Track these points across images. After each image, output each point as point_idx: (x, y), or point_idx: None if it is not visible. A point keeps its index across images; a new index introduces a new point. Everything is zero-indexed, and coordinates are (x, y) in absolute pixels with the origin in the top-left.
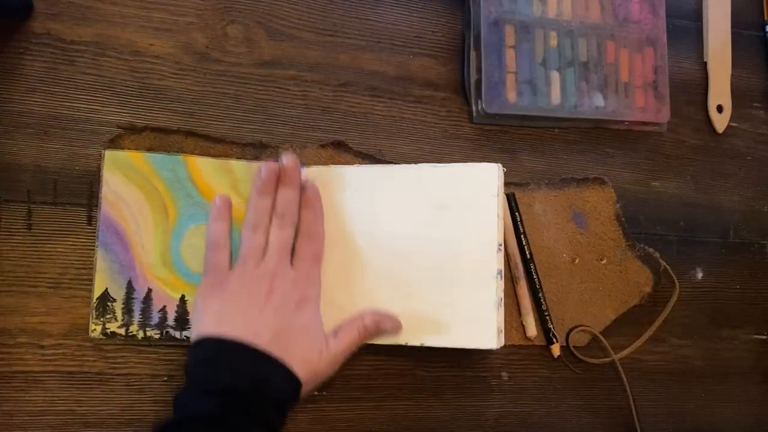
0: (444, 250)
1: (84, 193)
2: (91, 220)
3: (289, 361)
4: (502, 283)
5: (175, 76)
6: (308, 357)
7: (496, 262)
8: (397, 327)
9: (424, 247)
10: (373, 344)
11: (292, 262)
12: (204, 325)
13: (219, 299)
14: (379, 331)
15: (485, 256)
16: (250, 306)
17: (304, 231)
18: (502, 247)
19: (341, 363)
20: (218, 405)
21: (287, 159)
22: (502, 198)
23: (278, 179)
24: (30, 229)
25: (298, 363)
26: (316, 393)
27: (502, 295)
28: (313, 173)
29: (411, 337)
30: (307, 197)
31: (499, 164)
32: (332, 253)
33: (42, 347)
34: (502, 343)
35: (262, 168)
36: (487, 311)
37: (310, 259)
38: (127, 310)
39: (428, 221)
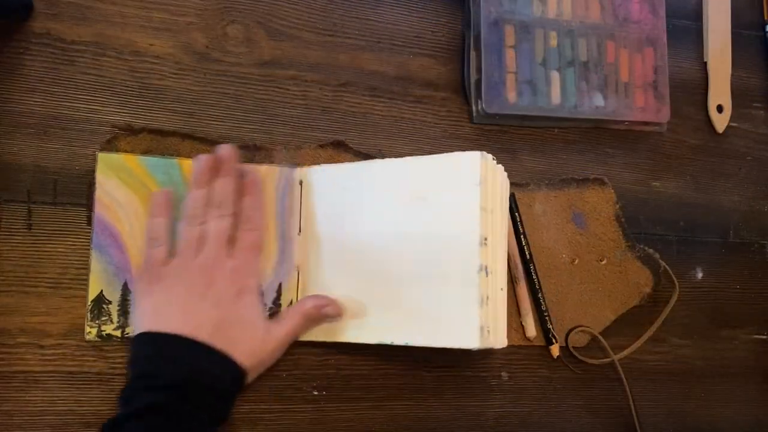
0: (428, 245)
1: (84, 193)
2: (90, 220)
3: (232, 351)
4: (488, 279)
5: (175, 76)
6: (251, 346)
7: (480, 256)
8: (339, 312)
9: (409, 242)
10: (372, 345)
11: (232, 251)
12: (143, 320)
13: (157, 294)
14: (321, 316)
15: (468, 251)
16: (189, 299)
17: (243, 218)
18: (489, 242)
19: (284, 349)
20: (159, 399)
21: (222, 149)
22: (498, 191)
23: (215, 170)
24: (30, 229)
25: (240, 352)
26: (315, 393)
27: (493, 293)
28: (306, 173)
29: (395, 336)
30: (246, 184)
31: (485, 153)
32: (326, 252)
33: (42, 347)
34: (498, 343)
35: (198, 160)
36: (469, 309)
37: (249, 248)
38: (123, 312)
39: (412, 215)
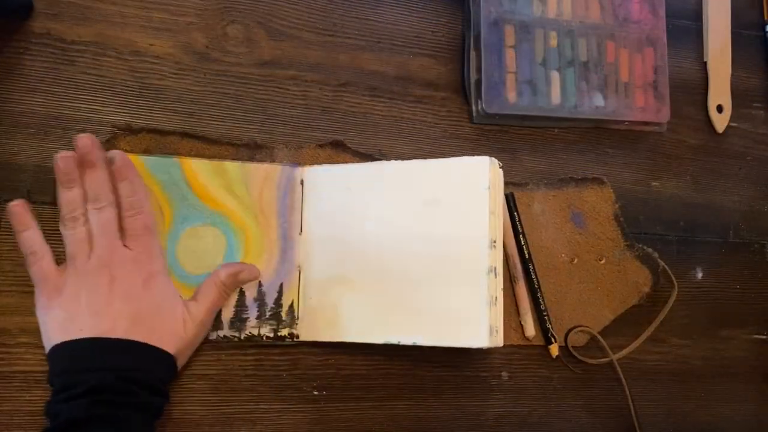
0: (436, 247)
1: None
2: None
3: (155, 340)
4: (497, 281)
5: (175, 76)
6: (173, 330)
7: (489, 258)
8: (254, 274)
9: (417, 244)
10: (372, 344)
11: (126, 241)
12: (53, 336)
13: (59, 306)
14: (237, 283)
15: (477, 252)
16: (96, 300)
17: (126, 205)
18: (497, 244)
19: (209, 324)
20: (87, 405)
21: (81, 141)
22: (499, 194)
23: (80, 164)
24: None
25: (164, 339)
26: (315, 393)
27: (499, 293)
28: (307, 173)
29: (402, 336)
30: (118, 170)
31: (492, 158)
32: (327, 253)
33: (42, 347)
34: (500, 342)
35: (59, 158)
36: (479, 309)
37: (142, 232)
38: None
39: (420, 217)
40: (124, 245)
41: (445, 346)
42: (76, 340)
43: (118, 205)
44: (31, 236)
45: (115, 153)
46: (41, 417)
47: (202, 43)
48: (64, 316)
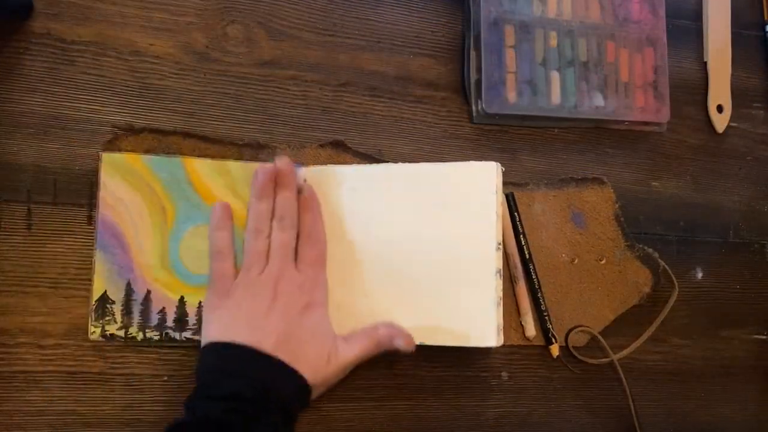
0: (443, 249)
1: (84, 193)
2: (91, 220)
3: (297, 365)
4: (500, 282)
5: (175, 76)
6: (316, 361)
7: (495, 260)
8: (410, 344)
9: (423, 246)
10: None
11: (296, 266)
12: (211, 333)
13: (225, 308)
14: (391, 346)
15: (485, 255)
16: (255, 311)
17: (305, 233)
18: (501, 246)
19: (350, 370)
20: (223, 409)
21: (282, 162)
22: (501, 196)
23: (275, 182)
24: (30, 229)
25: (306, 367)
26: None
27: (501, 294)
28: (310, 173)
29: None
30: (305, 199)
31: (498, 163)
32: (331, 253)
33: (42, 347)
34: (501, 341)
35: (259, 172)
36: (488, 309)
37: (315, 262)
38: (127, 311)
39: (427, 220)
40: (296, 269)
41: (452, 345)
42: (229, 343)
43: (298, 230)
44: (223, 236)
45: (304, 185)
46: (41, 417)
47: (202, 43)
48: (226, 319)
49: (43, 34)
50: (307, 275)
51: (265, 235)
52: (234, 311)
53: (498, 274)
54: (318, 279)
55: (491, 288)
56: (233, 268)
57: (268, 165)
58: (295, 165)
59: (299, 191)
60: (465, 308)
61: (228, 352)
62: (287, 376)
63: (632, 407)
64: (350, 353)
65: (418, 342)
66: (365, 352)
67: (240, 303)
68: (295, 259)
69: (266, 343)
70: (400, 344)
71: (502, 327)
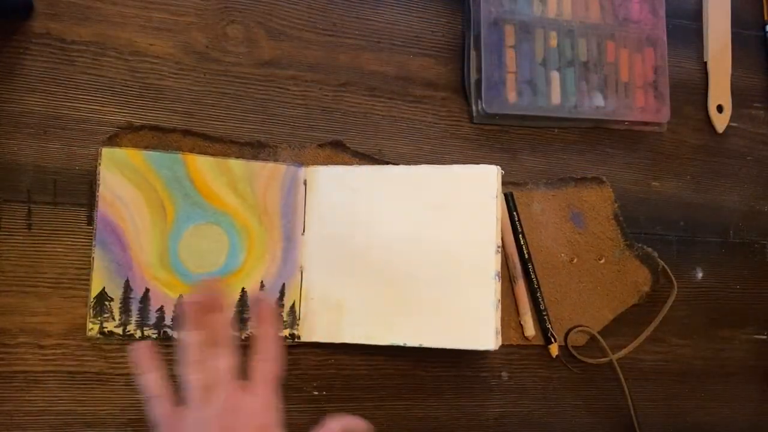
0: (443, 251)
1: (84, 193)
2: (90, 220)
3: None
4: (499, 284)
5: (175, 76)
6: None
7: (495, 263)
8: (366, 429)
9: (423, 248)
10: (372, 345)
11: (248, 386)
12: None
13: None
14: None
15: (484, 258)
16: None
17: (261, 351)
18: (500, 249)
19: None
20: None
21: (208, 286)
22: (501, 199)
23: (205, 308)
24: (30, 229)
25: None
26: (316, 393)
27: (500, 296)
28: (312, 173)
29: (410, 338)
30: (263, 314)
31: (499, 167)
32: (331, 254)
33: (42, 347)
34: (500, 343)
35: (185, 304)
36: (486, 312)
37: (269, 382)
38: (125, 309)
39: (427, 222)
40: (246, 391)
41: (452, 348)
42: None
43: (252, 348)
44: (154, 379)
45: (263, 297)
46: (41, 417)
47: (202, 43)
48: None
49: (43, 34)
50: (259, 397)
51: (204, 366)
52: None
53: (497, 277)
54: (271, 400)
55: (490, 291)
56: (175, 405)
57: (194, 295)
58: (295, 165)
59: (256, 304)
60: (464, 311)
61: None
62: None
63: (631, 407)
64: None
65: (417, 344)
66: None
67: None
68: (250, 378)
69: None
70: None
71: (500, 329)
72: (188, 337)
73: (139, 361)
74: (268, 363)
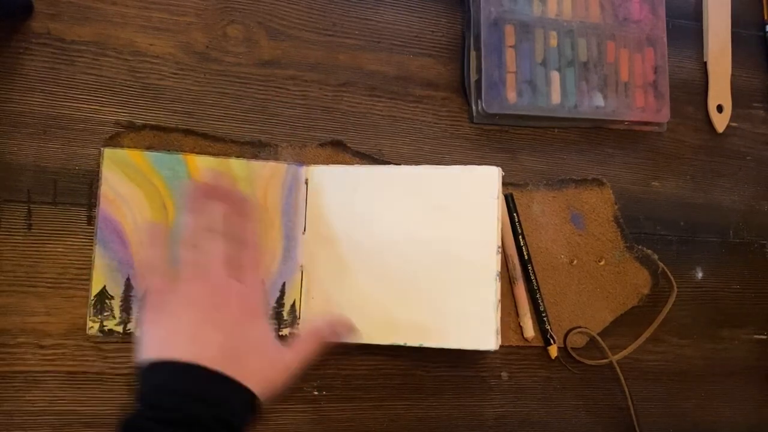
0: (444, 252)
1: (84, 193)
2: (91, 220)
3: (243, 377)
4: (499, 285)
5: (175, 75)
6: (263, 372)
7: (496, 263)
8: (352, 330)
9: (424, 249)
10: (372, 345)
11: (235, 276)
12: (150, 350)
13: (162, 322)
14: (335, 338)
15: (485, 258)
16: (195, 325)
17: (241, 242)
18: (500, 250)
19: (297, 373)
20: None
21: (211, 176)
22: (501, 200)
23: (207, 196)
24: (30, 229)
25: (252, 379)
26: (316, 393)
27: (500, 296)
28: (311, 173)
29: (410, 337)
30: (241, 207)
31: (500, 168)
32: (331, 253)
33: (42, 347)
34: (499, 344)
35: (189, 187)
36: (487, 313)
37: (253, 269)
38: (125, 307)
39: (428, 222)
40: (234, 277)
41: (452, 348)
42: (170, 362)
43: (234, 240)
44: (156, 254)
45: (240, 193)
46: (41, 417)
47: (202, 43)
48: (164, 333)
49: (43, 34)
50: (246, 285)
51: (200, 248)
52: (173, 325)
53: (497, 278)
54: (257, 287)
55: (491, 291)
56: (168, 281)
57: (199, 181)
58: (296, 165)
59: (236, 201)
60: (464, 311)
61: (171, 371)
62: (233, 390)
63: (632, 407)
64: (295, 358)
65: (417, 344)
66: (311, 353)
67: (179, 316)
68: (235, 268)
69: (210, 358)
70: (344, 331)
71: (500, 330)
72: (188, 219)
73: (150, 234)
74: (251, 254)
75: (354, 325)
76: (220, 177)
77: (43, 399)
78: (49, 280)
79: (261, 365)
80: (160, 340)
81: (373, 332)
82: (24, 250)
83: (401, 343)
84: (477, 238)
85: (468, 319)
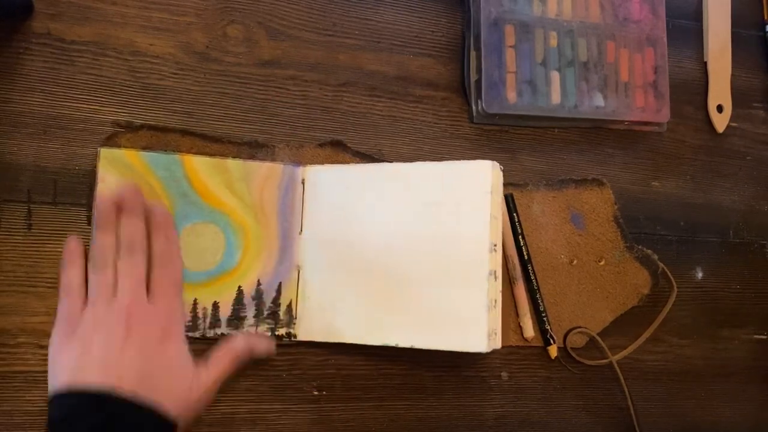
0: (437, 249)
1: (84, 193)
2: (91, 220)
3: (159, 400)
4: (496, 284)
5: (174, 76)
6: (179, 393)
7: (489, 262)
8: (270, 348)
9: (419, 247)
10: (372, 345)
11: (149, 294)
12: (60, 378)
13: (73, 348)
14: (252, 355)
15: (478, 256)
16: (108, 349)
17: (158, 258)
18: (497, 248)
19: (215, 392)
20: None
21: (125, 187)
22: (499, 197)
23: (119, 210)
24: (30, 229)
25: (169, 401)
26: (315, 393)
27: (498, 296)
28: (309, 172)
29: (400, 338)
30: (157, 221)
31: (495, 162)
32: (325, 253)
33: (42, 347)
34: (498, 345)
35: (98, 201)
36: (478, 313)
37: (169, 288)
38: None
39: (424, 220)
40: (148, 298)
41: (442, 349)
42: (82, 391)
43: (150, 256)
44: (75, 274)
45: (156, 204)
46: (41, 417)
47: (202, 43)
48: (74, 360)
49: (43, 34)
50: (161, 304)
51: (111, 267)
52: (84, 350)
53: (492, 276)
54: (173, 307)
55: (483, 291)
56: (80, 304)
57: (109, 193)
58: (293, 165)
59: (151, 213)
60: (456, 311)
61: (82, 400)
62: (148, 417)
63: (632, 407)
64: (212, 377)
65: (408, 345)
66: (227, 372)
67: (90, 341)
68: (150, 288)
69: (124, 383)
70: (261, 349)
71: (498, 330)
72: (98, 236)
73: (68, 250)
74: (169, 270)
75: (273, 343)
76: (137, 190)
77: (43, 399)
78: (49, 280)
79: (176, 386)
80: (71, 366)
81: (366, 333)
82: (24, 250)
83: (393, 343)
84: (470, 234)
85: (459, 320)
